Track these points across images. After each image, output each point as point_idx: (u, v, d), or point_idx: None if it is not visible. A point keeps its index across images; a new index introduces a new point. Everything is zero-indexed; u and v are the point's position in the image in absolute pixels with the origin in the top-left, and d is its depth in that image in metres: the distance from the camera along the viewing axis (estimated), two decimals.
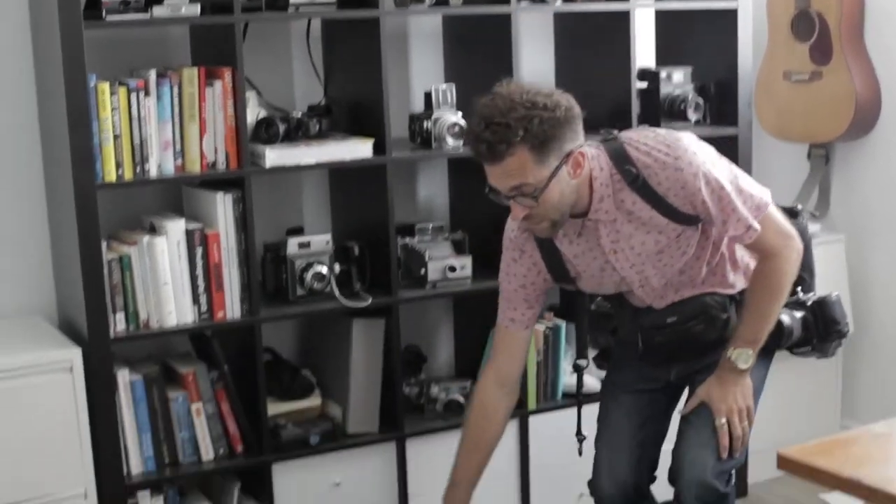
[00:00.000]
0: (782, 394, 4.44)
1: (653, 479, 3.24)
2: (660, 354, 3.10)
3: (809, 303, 3.09)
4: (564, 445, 3.95)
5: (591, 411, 3.59)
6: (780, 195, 4.52)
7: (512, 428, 3.91)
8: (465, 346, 4.18)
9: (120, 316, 3.37)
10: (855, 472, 2.31)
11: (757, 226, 2.90)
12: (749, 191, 2.93)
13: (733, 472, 3.10)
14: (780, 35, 4.48)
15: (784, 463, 2.42)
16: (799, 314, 3.07)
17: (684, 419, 3.10)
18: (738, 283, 3.06)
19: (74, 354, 3.28)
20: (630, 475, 3.18)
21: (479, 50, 3.92)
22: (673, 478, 3.07)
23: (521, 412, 3.93)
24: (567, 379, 4.04)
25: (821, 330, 3.09)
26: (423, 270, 3.78)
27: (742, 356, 2.96)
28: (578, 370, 3.30)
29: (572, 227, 2.95)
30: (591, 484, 3.25)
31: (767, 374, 3.17)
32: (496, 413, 3.15)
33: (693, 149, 2.88)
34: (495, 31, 3.80)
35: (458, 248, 3.89)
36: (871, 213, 4.53)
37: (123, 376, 3.42)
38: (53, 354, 3.28)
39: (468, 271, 3.83)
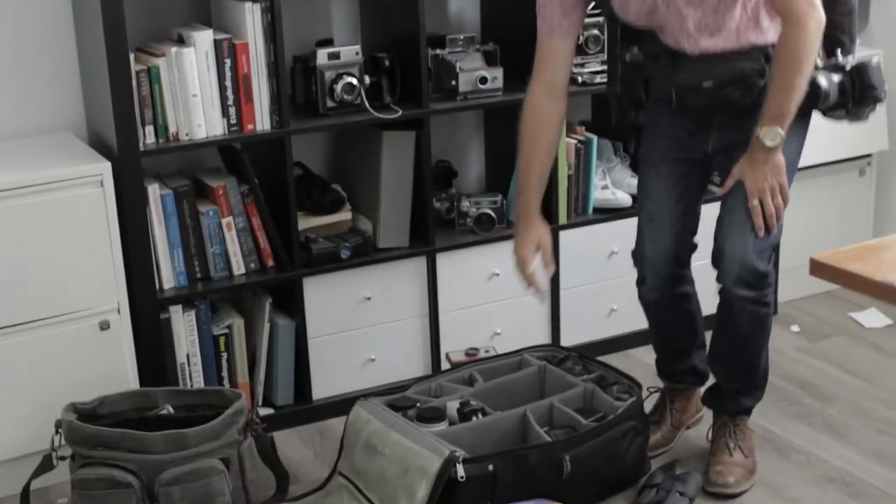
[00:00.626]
0: (813, 213, 4.54)
1: (693, 247, 3.42)
2: (694, 115, 3.20)
3: (848, 67, 3.14)
4: (595, 261, 4.08)
5: (623, 225, 3.69)
6: None
7: None
8: (495, 160, 4.25)
9: (149, 129, 3.43)
10: (887, 276, 2.31)
11: None
12: None
13: (772, 253, 3.25)
14: None
15: (816, 268, 2.44)
16: (836, 77, 3.11)
17: (723, 203, 3.23)
18: (771, 32, 3.09)
19: (104, 168, 3.34)
20: (671, 245, 3.36)
21: None
22: (715, 260, 3.23)
23: (551, 226, 3.94)
24: (598, 194, 4.12)
25: (857, 95, 3.13)
26: (453, 82, 3.82)
27: (769, 134, 3.02)
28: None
29: None
30: (634, 254, 3.43)
31: (803, 146, 3.27)
32: (549, 118, 3.30)
33: None
34: None
35: (490, 60, 3.92)
36: None
37: (154, 190, 3.50)
38: (83, 168, 3.34)
39: (499, 83, 3.87)
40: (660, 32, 3.15)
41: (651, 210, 3.37)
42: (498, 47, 3.95)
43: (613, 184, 4.13)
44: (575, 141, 4.05)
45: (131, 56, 3.37)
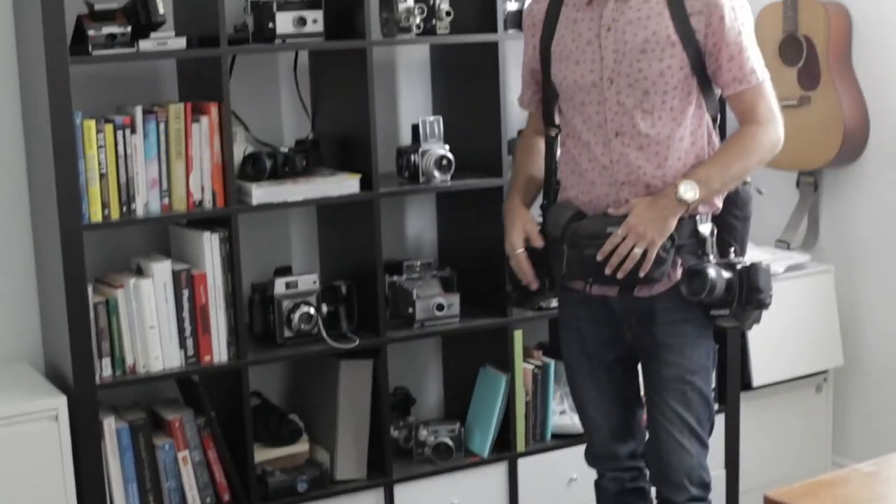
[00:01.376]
0: (772, 431, 4.70)
1: (644, 435, 3.51)
2: (586, 270, 3.26)
3: (739, 266, 3.25)
4: (555, 489, 4.20)
5: (582, 452, 3.82)
6: (769, 224, 4.83)
7: (500, 470, 4.15)
8: (453, 386, 4.40)
9: (106, 361, 3.55)
10: None
11: (761, 75, 3.23)
12: (759, 55, 3.25)
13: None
14: (767, 59, 4.64)
15: None
16: (726, 275, 3.21)
17: (650, 420, 3.38)
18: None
19: (60, 402, 3.45)
20: (624, 442, 3.50)
21: (467, 78, 4.15)
22: (661, 476, 3.40)
23: (509, 455, 4.15)
24: (556, 420, 4.26)
25: (743, 296, 3.23)
26: (410, 309, 3.98)
27: (686, 185, 3.14)
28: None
29: None
30: (587, 454, 3.59)
31: (714, 356, 3.40)
32: (540, 148, 3.49)
33: None
34: (483, 59, 4.03)
35: (447, 286, 4.10)
36: (861, 243, 4.78)
37: (109, 424, 3.59)
38: (38, 403, 3.44)
39: (456, 309, 4.03)
40: (588, 110, 3.29)
41: (594, 416, 3.51)
42: (455, 273, 4.13)
43: (571, 408, 4.25)
44: (532, 366, 4.20)
45: (89, 287, 3.51)
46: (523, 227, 3.41)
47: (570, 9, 3.32)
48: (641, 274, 3.17)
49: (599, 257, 3.17)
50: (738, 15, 3.20)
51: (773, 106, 3.27)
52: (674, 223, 3.17)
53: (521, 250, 3.39)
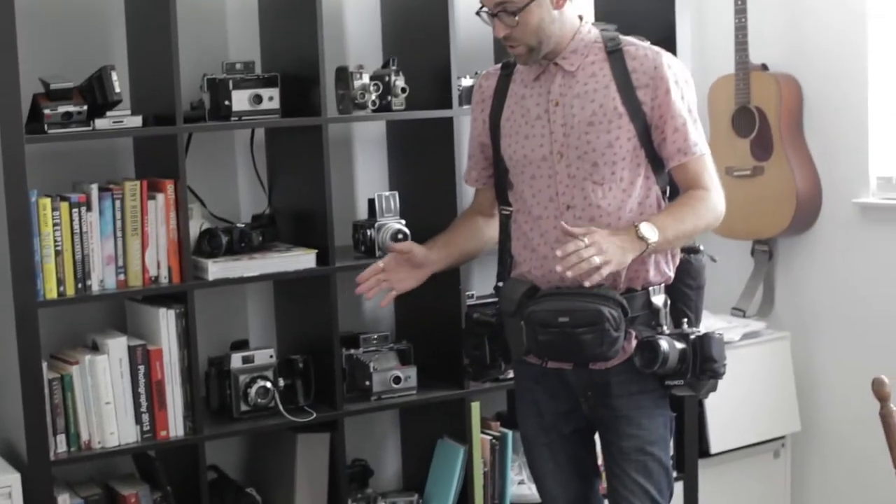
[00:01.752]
0: (730, 498, 4.66)
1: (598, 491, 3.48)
2: (542, 352, 3.24)
3: (692, 336, 3.20)
4: None
5: None
6: (725, 292, 4.81)
7: None
8: (411, 458, 4.33)
9: (61, 437, 3.49)
10: None
11: (703, 148, 3.21)
12: (700, 129, 3.24)
13: None
14: (721, 131, 4.74)
15: None
16: (679, 345, 3.17)
17: (614, 492, 3.30)
18: (651, 271, 3.23)
19: (13, 479, 3.39)
20: None
21: (422, 153, 4.13)
22: None
23: None
24: (514, 489, 4.20)
25: (697, 366, 3.19)
26: (367, 382, 3.94)
27: (647, 225, 3.09)
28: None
29: (534, 71, 3.27)
30: None
31: (671, 425, 3.36)
32: (476, 220, 3.51)
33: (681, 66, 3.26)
34: (438, 134, 4.01)
35: (404, 359, 4.06)
36: (816, 310, 4.78)
37: (64, 501, 3.53)
38: None
39: (413, 382, 3.99)
40: (538, 186, 3.26)
41: (552, 489, 3.44)
42: (412, 346, 4.08)
43: (529, 478, 4.20)
44: (490, 437, 4.15)
45: (44, 364, 3.45)
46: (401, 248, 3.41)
47: (518, 85, 3.31)
48: (587, 283, 3.06)
49: (559, 253, 3.06)
50: (682, 89, 3.20)
51: (715, 177, 3.26)
52: (629, 259, 3.10)
53: (381, 263, 3.38)
